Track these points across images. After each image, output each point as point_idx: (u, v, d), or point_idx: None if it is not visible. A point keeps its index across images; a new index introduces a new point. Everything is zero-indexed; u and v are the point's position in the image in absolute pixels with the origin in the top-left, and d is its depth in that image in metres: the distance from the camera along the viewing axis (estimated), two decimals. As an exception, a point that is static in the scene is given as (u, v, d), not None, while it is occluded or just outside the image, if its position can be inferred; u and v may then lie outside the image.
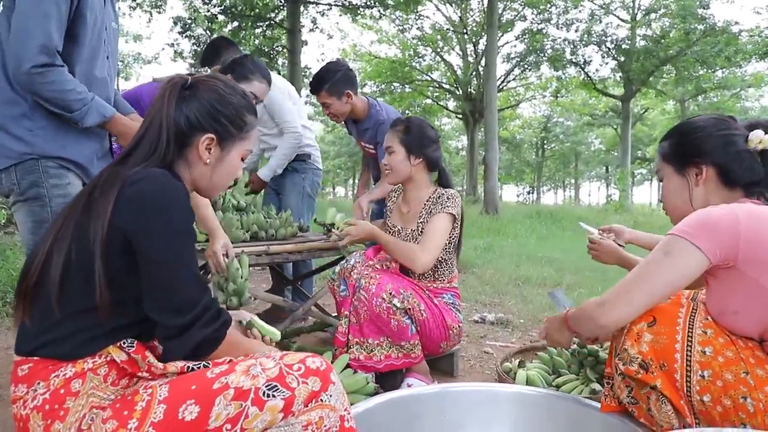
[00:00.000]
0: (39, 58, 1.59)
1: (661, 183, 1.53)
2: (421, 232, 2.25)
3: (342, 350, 2.14)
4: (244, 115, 1.25)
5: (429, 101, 25.17)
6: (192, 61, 16.55)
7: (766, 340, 1.27)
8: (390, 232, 2.39)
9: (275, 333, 1.39)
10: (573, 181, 50.21)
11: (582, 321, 1.45)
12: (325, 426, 1.04)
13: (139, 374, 1.08)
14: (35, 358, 1.05)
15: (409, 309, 2.08)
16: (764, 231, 1.22)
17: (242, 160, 1.30)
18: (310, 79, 2.84)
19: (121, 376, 1.07)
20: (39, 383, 1.03)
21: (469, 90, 22.29)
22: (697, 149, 1.41)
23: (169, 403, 0.99)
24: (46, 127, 1.72)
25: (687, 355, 1.26)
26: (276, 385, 1.01)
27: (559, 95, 25.88)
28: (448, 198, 2.23)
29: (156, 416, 0.98)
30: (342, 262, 2.31)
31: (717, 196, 1.40)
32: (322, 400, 1.05)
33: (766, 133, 1.37)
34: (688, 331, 1.28)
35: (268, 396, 1.00)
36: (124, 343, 1.08)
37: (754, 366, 1.23)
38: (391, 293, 2.05)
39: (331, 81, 2.76)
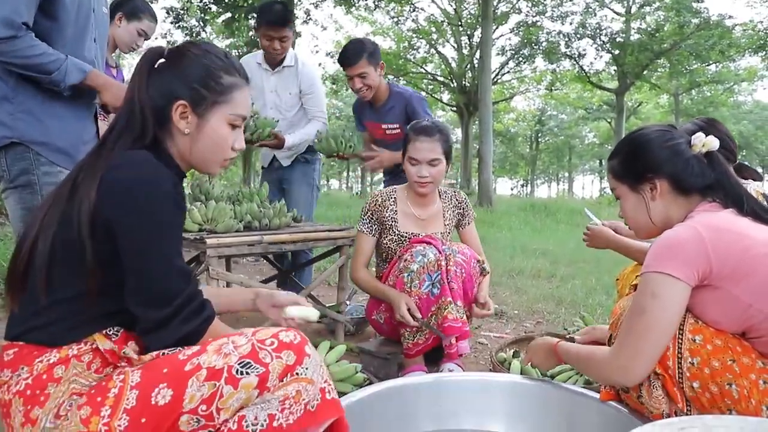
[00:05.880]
0: (2, 31, 1.58)
1: (618, 200, 1.54)
2: (449, 232, 2.39)
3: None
4: (218, 75, 1.16)
5: (423, 94, 25.11)
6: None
7: (747, 335, 1.29)
8: (402, 240, 2.31)
9: (314, 312, 1.37)
10: (567, 174, 50.36)
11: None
12: (304, 399, 1.01)
13: (119, 364, 1.06)
14: (21, 343, 1.04)
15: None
16: (727, 243, 1.26)
17: (234, 127, 1.19)
18: (342, 54, 2.78)
19: (105, 364, 1.05)
20: (23, 368, 1.02)
21: (463, 82, 22.27)
22: (646, 165, 1.42)
23: (141, 388, 0.97)
24: (28, 111, 1.71)
25: (678, 342, 1.29)
26: (249, 362, 0.98)
27: (553, 88, 25.89)
28: (467, 202, 2.48)
29: (129, 403, 0.96)
30: (419, 259, 2.10)
31: (675, 205, 1.41)
32: (297, 373, 1.01)
33: (706, 135, 1.40)
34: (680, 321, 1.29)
35: (242, 373, 0.97)
36: (109, 330, 1.07)
37: (741, 354, 1.26)
38: (478, 259, 2.21)
39: (370, 50, 2.72)
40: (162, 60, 1.17)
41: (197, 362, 0.98)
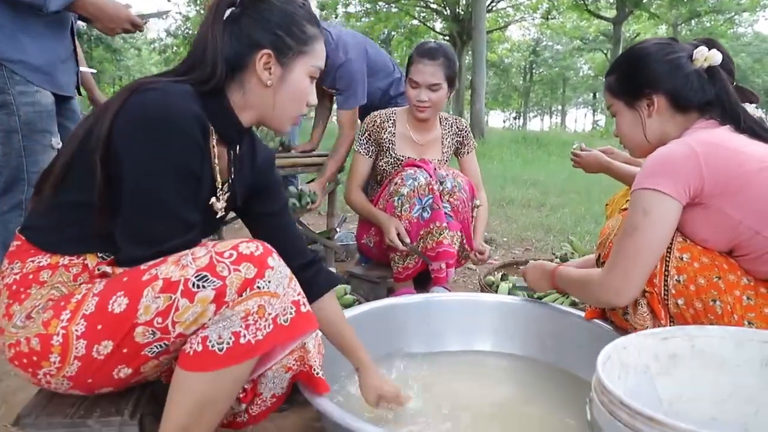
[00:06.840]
0: None
1: (614, 118, 1.49)
2: (446, 160, 2.33)
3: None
4: (302, 24, 1.11)
5: (415, 22, 24.30)
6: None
7: (734, 253, 1.30)
8: (398, 163, 2.26)
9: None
10: (560, 107, 49.85)
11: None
12: (269, 314, 0.94)
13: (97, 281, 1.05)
14: (24, 238, 1.05)
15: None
16: (721, 159, 1.23)
17: (312, 80, 1.15)
18: None
19: (91, 281, 1.04)
20: (17, 263, 1.03)
21: (457, 10, 21.47)
22: (644, 80, 1.37)
23: (101, 296, 0.95)
24: (2, 27, 1.62)
25: (666, 260, 1.29)
26: (206, 275, 0.92)
27: (549, 17, 25.10)
28: (467, 131, 2.38)
29: (88, 308, 0.95)
30: (409, 182, 2.06)
31: (672, 123, 1.37)
32: (258, 287, 0.94)
33: (709, 49, 1.34)
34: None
35: (198, 287, 0.91)
36: (105, 254, 1.05)
37: (727, 271, 1.27)
38: (473, 196, 2.22)
39: None
40: (234, 8, 1.09)
41: (155, 272, 0.94)
